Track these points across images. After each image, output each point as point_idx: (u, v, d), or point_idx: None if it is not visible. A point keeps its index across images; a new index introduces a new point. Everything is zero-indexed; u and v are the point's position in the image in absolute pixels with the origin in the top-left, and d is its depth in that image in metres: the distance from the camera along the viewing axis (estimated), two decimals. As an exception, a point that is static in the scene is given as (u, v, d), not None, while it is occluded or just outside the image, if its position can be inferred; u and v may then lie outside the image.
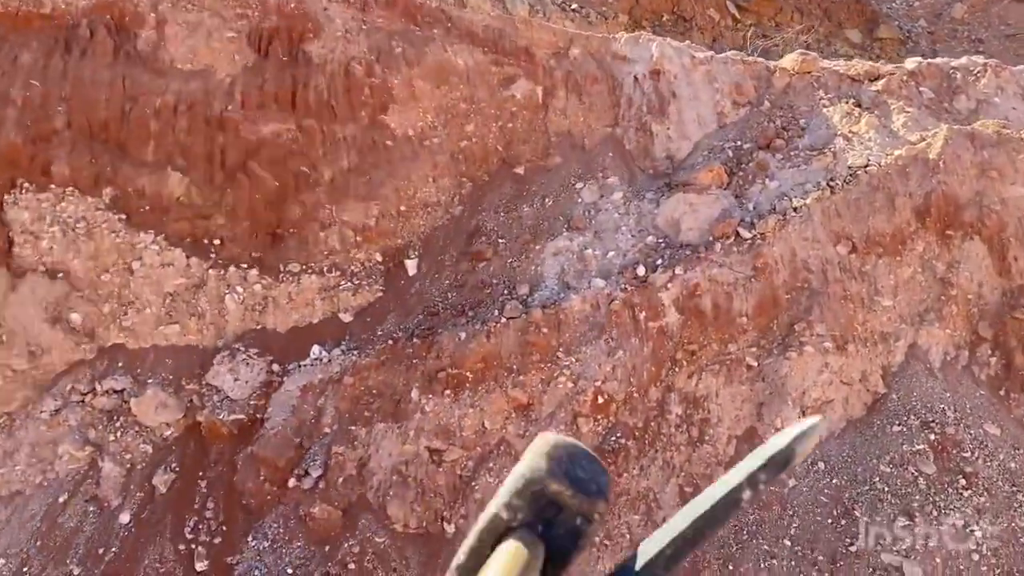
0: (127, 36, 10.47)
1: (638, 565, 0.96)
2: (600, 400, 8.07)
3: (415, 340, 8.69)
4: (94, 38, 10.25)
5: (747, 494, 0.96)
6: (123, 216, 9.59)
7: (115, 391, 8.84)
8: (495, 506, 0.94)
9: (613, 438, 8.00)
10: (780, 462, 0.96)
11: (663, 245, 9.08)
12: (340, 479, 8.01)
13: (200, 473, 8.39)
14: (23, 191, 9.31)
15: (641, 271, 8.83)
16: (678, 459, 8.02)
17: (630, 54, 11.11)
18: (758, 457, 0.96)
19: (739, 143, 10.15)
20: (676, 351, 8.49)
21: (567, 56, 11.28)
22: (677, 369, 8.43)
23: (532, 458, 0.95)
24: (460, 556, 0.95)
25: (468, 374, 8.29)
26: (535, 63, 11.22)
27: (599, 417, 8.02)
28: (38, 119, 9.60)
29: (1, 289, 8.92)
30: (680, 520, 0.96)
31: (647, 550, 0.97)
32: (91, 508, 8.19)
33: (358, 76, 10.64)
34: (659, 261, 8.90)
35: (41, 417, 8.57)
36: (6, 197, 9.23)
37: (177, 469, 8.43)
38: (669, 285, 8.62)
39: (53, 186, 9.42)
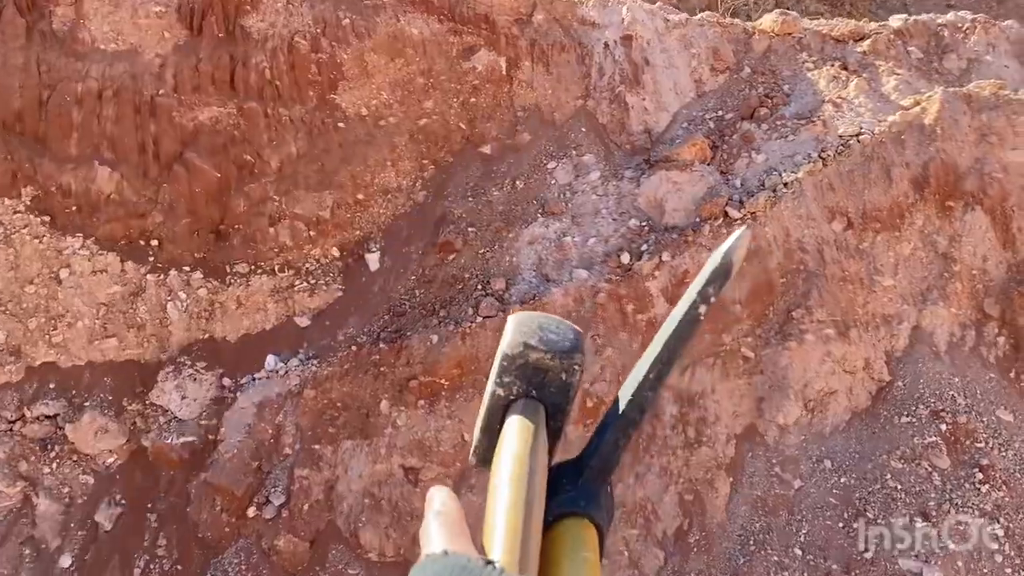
0: (40, 14, 9.34)
1: (622, 406, 1.08)
2: (589, 404, 7.39)
3: (381, 345, 7.90)
4: (2, 17, 9.09)
5: (703, 308, 1.09)
6: (47, 218, 8.56)
7: (47, 416, 7.90)
8: (490, 387, 1.09)
9: (605, 446, 7.34)
10: (722, 274, 1.08)
11: (647, 229, 8.37)
12: (306, 506, 7.24)
13: (149, 505, 7.54)
14: (-72, 195, 8.24)
15: (626, 259, 8.12)
16: (675, 464, 7.40)
17: (598, 19, 10.29)
18: (702, 277, 1.09)
19: (720, 113, 9.44)
20: (667, 345, 7.81)
21: (530, 23, 10.40)
22: (669, 364, 7.76)
23: (508, 337, 1.09)
24: (474, 440, 1.10)
25: (443, 382, 7.54)
26: (496, 31, 10.33)
27: (588, 422, 7.33)
28: (-58, 112, 8.49)
29: (-92, 308, 7.89)
30: (652, 350, 1.09)
31: (628, 388, 1.09)
32: (27, 551, 7.31)
33: (303, 52, 9.65)
34: (644, 247, 8.20)
35: (-37, 452, 7.62)
36: (-92, 203, 8.15)
37: (123, 502, 7.56)
38: (656, 273, 7.93)
39: (-37, 188, 8.35)
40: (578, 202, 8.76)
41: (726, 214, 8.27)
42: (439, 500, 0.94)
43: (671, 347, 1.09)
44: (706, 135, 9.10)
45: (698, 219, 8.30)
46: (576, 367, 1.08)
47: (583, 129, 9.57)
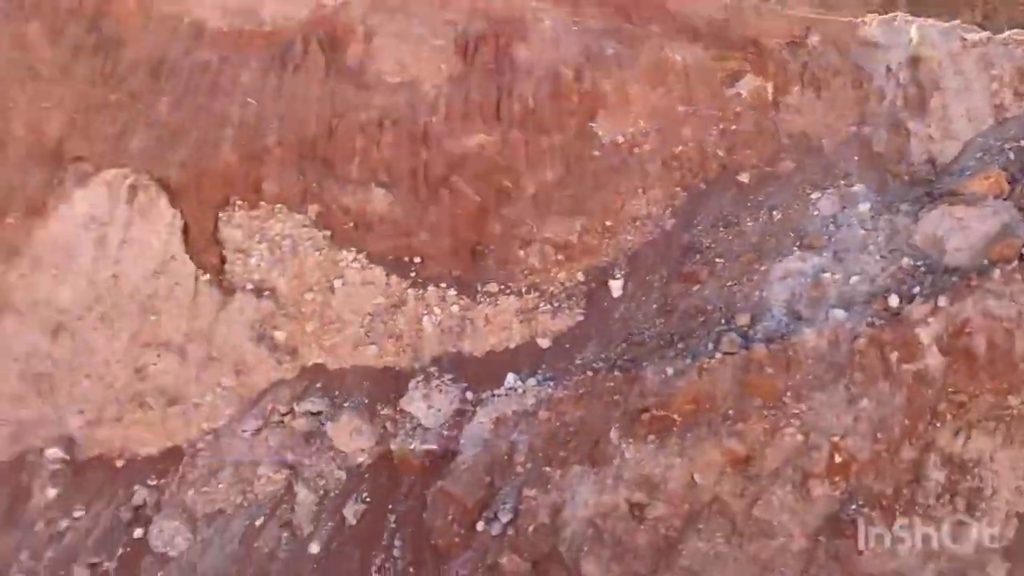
0: (337, 50, 10.40)
1: None
2: (838, 459, 6.71)
3: (616, 373, 7.76)
4: (307, 54, 10.27)
5: None
6: (327, 233, 9.48)
7: (312, 413, 8.69)
8: None
9: (853, 506, 6.59)
10: None
11: (922, 270, 7.49)
12: (531, 527, 7.26)
13: (390, 506, 8.00)
14: (236, 209, 9.45)
15: (894, 301, 7.30)
16: (939, 537, 6.46)
17: (882, 39, 9.47)
18: None
19: (1023, 143, 8.24)
20: (938, 402, 6.90)
21: (804, 45, 9.82)
22: (939, 424, 6.84)
23: None
24: None
25: (676, 417, 7.24)
26: (764, 55, 9.86)
27: (836, 479, 6.66)
28: (252, 137, 9.73)
29: (214, 307, 9.09)
30: None
31: None
32: (284, 534, 8.05)
33: (566, 81, 9.88)
34: (916, 289, 7.33)
35: (243, 436, 8.59)
36: (221, 215, 9.41)
37: (368, 500, 8.09)
38: (930, 319, 7.03)
39: (263, 203, 9.50)
40: (842, 236, 8.06)
41: (1021, 257, 7.16)
42: None
43: None
44: (1004, 167, 7.99)
45: (986, 261, 7.26)
46: None
47: (855, 157, 8.83)
